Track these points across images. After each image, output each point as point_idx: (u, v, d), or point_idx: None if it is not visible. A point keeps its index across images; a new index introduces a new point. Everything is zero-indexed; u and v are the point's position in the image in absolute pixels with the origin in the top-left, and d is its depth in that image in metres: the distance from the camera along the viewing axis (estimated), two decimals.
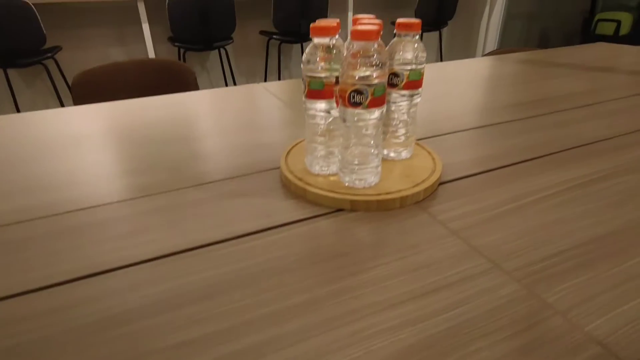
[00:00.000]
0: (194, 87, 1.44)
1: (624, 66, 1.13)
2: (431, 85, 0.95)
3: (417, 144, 0.58)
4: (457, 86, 0.95)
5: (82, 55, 2.62)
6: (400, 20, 0.46)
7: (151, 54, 2.38)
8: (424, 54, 0.47)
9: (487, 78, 1.02)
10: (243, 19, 2.89)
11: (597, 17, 3.24)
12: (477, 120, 0.72)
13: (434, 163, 0.52)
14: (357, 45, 0.39)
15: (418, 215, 0.44)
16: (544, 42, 3.60)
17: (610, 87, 0.92)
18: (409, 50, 0.46)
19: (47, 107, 2.67)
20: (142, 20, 2.28)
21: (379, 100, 0.41)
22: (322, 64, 0.43)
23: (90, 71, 1.32)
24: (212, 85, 3.01)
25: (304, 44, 3.10)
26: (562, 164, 0.55)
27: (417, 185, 0.47)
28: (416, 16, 2.92)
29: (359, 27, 0.39)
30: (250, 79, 3.10)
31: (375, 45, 0.39)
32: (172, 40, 2.42)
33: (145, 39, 2.32)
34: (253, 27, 2.93)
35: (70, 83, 2.68)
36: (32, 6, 2.01)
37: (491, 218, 0.44)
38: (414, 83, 0.48)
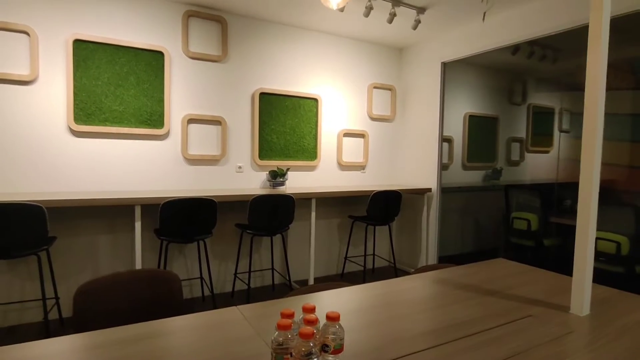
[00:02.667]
0: (179, 292, 1.73)
1: (508, 289, 1.54)
2: (365, 311, 1.29)
3: None
4: (385, 311, 1.29)
5: (69, 242, 2.91)
6: (328, 313, 0.81)
7: (138, 243, 2.71)
8: (343, 333, 0.80)
9: (409, 302, 1.38)
10: (222, 214, 3.39)
11: (513, 215, 4.02)
12: (396, 350, 1.03)
13: None
14: (301, 341, 0.71)
15: None
16: (476, 229, 4.28)
17: (496, 312, 1.29)
18: (334, 332, 0.80)
19: (24, 292, 2.79)
20: (135, 218, 2.68)
21: None
22: (284, 344, 0.75)
23: (93, 282, 1.59)
24: (187, 270, 3.29)
25: (273, 237, 3.59)
26: None
27: None
28: (367, 214, 3.54)
29: (303, 331, 0.72)
30: (223, 262, 3.42)
31: (312, 341, 0.72)
32: (157, 232, 2.80)
33: (135, 232, 2.68)
34: (230, 221, 3.42)
35: (54, 270, 2.89)
36: (44, 209, 2.38)
37: None
38: (338, 350, 0.80)
